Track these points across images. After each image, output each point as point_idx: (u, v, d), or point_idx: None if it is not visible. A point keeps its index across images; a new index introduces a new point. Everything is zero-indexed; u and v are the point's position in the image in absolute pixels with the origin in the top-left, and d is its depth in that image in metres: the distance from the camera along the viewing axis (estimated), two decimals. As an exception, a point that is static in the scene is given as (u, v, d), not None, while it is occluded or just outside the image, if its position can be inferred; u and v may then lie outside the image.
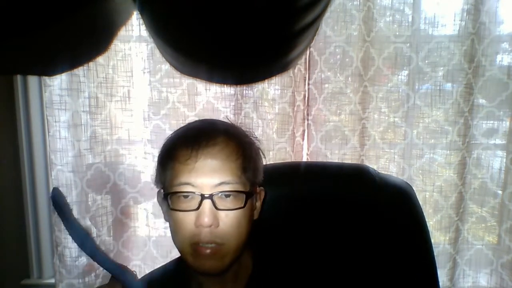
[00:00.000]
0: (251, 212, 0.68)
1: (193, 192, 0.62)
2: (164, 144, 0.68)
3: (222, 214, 0.62)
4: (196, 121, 0.72)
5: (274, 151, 1.29)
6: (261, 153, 0.71)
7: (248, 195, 0.64)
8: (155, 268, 0.79)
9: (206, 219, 0.60)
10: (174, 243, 0.65)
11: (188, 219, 0.62)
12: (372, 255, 0.79)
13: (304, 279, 0.70)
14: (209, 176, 0.62)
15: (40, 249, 1.43)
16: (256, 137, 0.72)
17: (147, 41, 1.27)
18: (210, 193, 0.61)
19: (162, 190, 0.67)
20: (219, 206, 0.62)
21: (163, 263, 0.80)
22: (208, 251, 0.61)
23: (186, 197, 0.62)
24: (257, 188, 0.70)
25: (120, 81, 1.30)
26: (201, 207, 0.61)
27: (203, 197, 0.61)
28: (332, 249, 0.80)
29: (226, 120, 0.72)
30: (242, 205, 0.63)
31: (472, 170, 1.33)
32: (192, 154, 0.62)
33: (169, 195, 0.63)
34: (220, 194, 0.62)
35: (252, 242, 0.68)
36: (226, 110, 1.30)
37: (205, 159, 0.62)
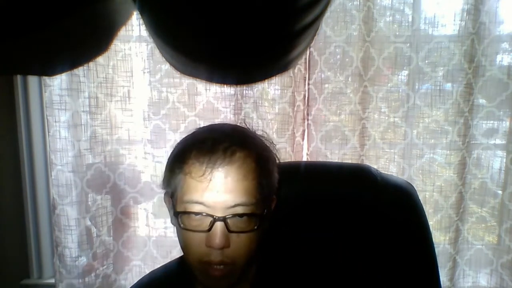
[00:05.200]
0: (264, 229, 0.65)
1: (206, 214, 0.59)
2: (174, 151, 0.64)
3: (234, 235, 0.59)
4: (210, 129, 0.67)
5: (274, 151, 1.29)
6: (277, 161, 0.68)
7: (262, 217, 0.62)
8: (156, 268, 0.79)
9: (218, 241, 0.58)
10: (183, 253, 0.64)
11: (198, 238, 0.60)
12: (373, 254, 0.79)
13: (306, 279, 0.70)
14: (223, 197, 0.58)
15: (40, 249, 1.43)
16: (272, 142, 0.68)
17: (147, 41, 1.27)
18: (223, 215, 0.58)
19: (171, 200, 0.64)
20: (232, 228, 0.59)
21: (163, 263, 0.79)
22: (217, 272, 0.60)
23: (197, 215, 0.60)
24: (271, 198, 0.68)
25: (120, 81, 1.30)
26: (212, 229, 0.58)
27: (215, 219, 0.58)
28: (333, 249, 0.80)
29: (242, 125, 0.68)
30: (255, 227, 0.60)
31: (472, 170, 1.33)
32: (206, 171, 0.58)
33: (179, 214, 0.61)
34: (233, 216, 0.59)
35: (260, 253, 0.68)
36: (226, 110, 1.30)
37: (220, 178, 0.58)
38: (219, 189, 0.58)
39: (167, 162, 0.65)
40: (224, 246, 0.58)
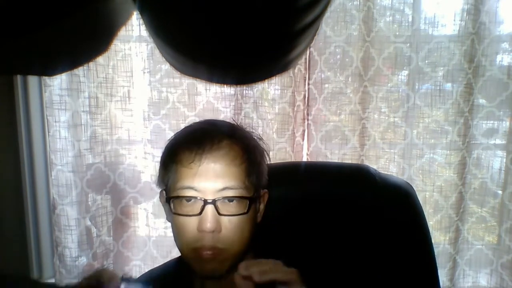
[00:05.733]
0: (255, 216, 0.67)
1: (196, 197, 0.61)
2: (167, 146, 0.67)
3: (225, 219, 0.61)
4: (199, 122, 0.71)
5: (274, 151, 1.29)
6: (266, 156, 0.70)
7: (252, 200, 0.63)
8: (156, 266, 0.79)
9: (209, 225, 0.60)
10: (176, 245, 0.65)
11: (190, 223, 0.61)
12: (373, 255, 0.79)
13: (306, 279, 0.70)
14: (212, 180, 0.61)
15: (40, 249, 1.43)
16: (261, 138, 0.71)
17: (147, 41, 1.27)
18: (213, 198, 0.60)
19: (164, 192, 0.66)
20: (222, 211, 0.61)
21: (170, 259, 0.79)
22: (209, 255, 0.61)
23: (188, 200, 0.62)
24: (261, 191, 0.69)
25: (120, 81, 1.30)
26: (203, 212, 0.60)
27: (205, 202, 0.60)
28: (333, 249, 0.80)
29: (231, 121, 0.71)
30: (245, 211, 0.62)
31: (472, 170, 1.33)
32: (196, 157, 0.61)
33: (171, 199, 0.63)
34: (223, 199, 0.61)
35: (255, 244, 0.68)
36: (226, 110, 1.30)
37: (209, 163, 0.61)
38: (208, 174, 0.61)
39: (161, 159, 0.68)
40: (215, 229, 0.60)
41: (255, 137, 0.70)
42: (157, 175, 0.68)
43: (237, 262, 0.64)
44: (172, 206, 0.63)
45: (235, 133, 0.66)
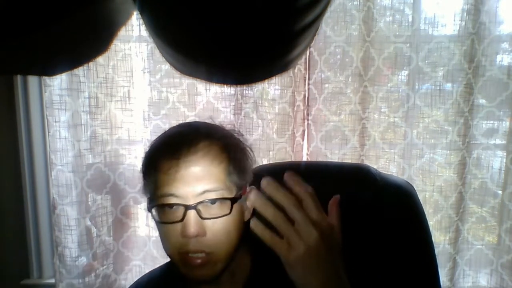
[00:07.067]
0: (240, 215, 0.66)
1: (177, 204, 0.60)
2: (145, 154, 0.67)
3: (208, 222, 0.60)
4: (175, 126, 0.70)
5: (274, 151, 1.29)
6: (248, 152, 0.69)
7: (233, 200, 0.62)
8: (151, 270, 0.79)
9: (192, 230, 0.59)
10: (165, 251, 0.64)
11: (174, 230, 0.60)
12: (373, 254, 0.79)
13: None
14: (191, 185, 0.60)
15: (40, 249, 1.43)
16: (242, 135, 0.70)
17: (147, 41, 1.27)
18: (193, 203, 0.60)
19: (148, 200, 0.66)
20: (204, 215, 0.60)
21: (163, 263, 0.79)
22: (198, 260, 0.60)
23: (171, 207, 0.61)
24: (246, 188, 0.67)
25: (120, 81, 1.30)
26: (185, 218, 0.59)
27: (186, 207, 0.59)
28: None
29: (209, 121, 0.70)
30: (228, 212, 0.61)
31: (472, 170, 1.33)
32: (173, 163, 0.60)
33: (153, 208, 0.62)
34: (204, 202, 0.60)
35: (249, 242, 0.68)
36: (226, 110, 1.30)
37: (187, 168, 0.60)
38: (187, 179, 0.60)
39: (141, 168, 0.67)
40: (198, 234, 0.59)
41: (236, 135, 0.69)
42: (141, 184, 0.68)
43: (229, 263, 0.64)
44: (154, 215, 0.62)
45: (212, 133, 0.65)
